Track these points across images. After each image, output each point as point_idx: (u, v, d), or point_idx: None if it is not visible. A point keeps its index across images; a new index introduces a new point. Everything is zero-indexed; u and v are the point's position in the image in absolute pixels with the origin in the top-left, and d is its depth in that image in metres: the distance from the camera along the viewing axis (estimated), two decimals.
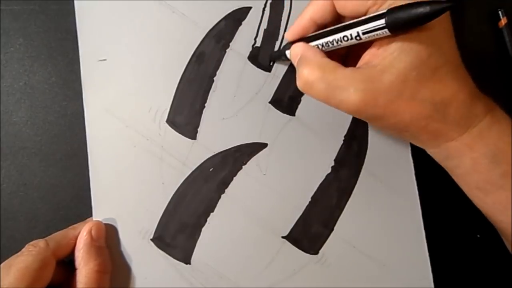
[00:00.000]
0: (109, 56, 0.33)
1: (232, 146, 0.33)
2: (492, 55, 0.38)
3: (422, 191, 0.32)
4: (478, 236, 0.36)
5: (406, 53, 0.25)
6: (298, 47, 0.29)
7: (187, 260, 0.32)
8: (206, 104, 0.33)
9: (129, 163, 0.32)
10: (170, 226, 0.32)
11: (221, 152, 0.33)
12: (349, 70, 0.26)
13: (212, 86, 0.33)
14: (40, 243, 0.29)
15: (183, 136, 0.33)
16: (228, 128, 0.33)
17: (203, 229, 0.32)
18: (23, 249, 0.29)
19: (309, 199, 0.33)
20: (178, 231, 0.32)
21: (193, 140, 0.33)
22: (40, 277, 0.28)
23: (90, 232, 0.30)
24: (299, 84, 0.28)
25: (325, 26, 0.29)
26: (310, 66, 0.27)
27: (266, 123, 0.33)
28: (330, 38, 0.28)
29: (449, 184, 0.31)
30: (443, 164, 0.30)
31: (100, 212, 0.31)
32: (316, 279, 0.32)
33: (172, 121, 0.33)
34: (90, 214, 0.31)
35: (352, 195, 0.33)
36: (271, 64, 0.34)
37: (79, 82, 0.32)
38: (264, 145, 0.33)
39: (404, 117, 0.27)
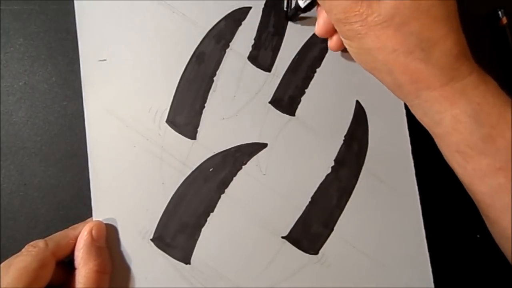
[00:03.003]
0: (109, 56, 0.33)
1: (232, 146, 0.33)
2: (493, 55, 0.38)
3: (422, 191, 0.32)
4: (478, 236, 0.36)
5: None
6: None
7: (187, 260, 0.32)
8: (206, 104, 0.33)
9: (129, 163, 0.32)
10: (170, 226, 0.32)
11: (221, 152, 0.33)
12: None
13: (212, 86, 0.33)
14: (39, 243, 0.29)
15: (183, 136, 0.33)
16: (228, 128, 0.33)
17: (203, 229, 0.32)
18: (23, 250, 0.29)
19: (309, 199, 0.33)
20: (178, 231, 0.32)
21: (193, 140, 0.33)
22: (39, 277, 0.27)
23: (90, 232, 0.30)
24: None
25: None
26: None
27: (266, 123, 0.33)
28: None
29: (449, 184, 0.31)
30: (424, 121, 0.29)
31: (100, 212, 0.31)
32: (316, 279, 0.32)
33: (172, 121, 0.33)
34: (90, 214, 0.31)
35: (352, 195, 0.33)
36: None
37: (79, 82, 0.32)
38: (264, 145, 0.33)
39: (386, 44, 0.26)
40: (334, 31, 0.31)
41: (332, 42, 0.32)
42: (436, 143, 0.30)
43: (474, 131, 0.27)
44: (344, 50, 0.32)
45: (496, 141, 0.27)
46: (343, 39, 0.30)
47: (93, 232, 0.30)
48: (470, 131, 0.27)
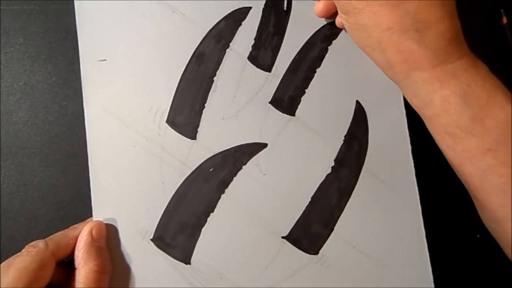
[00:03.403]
0: (109, 56, 0.33)
1: (232, 146, 0.33)
2: (493, 55, 0.38)
3: (422, 191, 0.32)
4: (478, 236, 0.36)
5: None
6: None
7: (187, 260, 0.32)
8: (206, 104, 0.33)
9: (129, 163, 0.32)
10: (170, 226, 0.32)
11: (221, 152, 0.33)
12: None
13: (212, 86, 0.33)
14: (39, 243, 0.29)
15: (183, 136, 0.33)
16: (228, 128, 0.33)
17: (203, 229, 0.32)
18: (23, 250, 0.29)
19: (309, 199, 0.33)
20: (178, 231, 0.32)
21: (193, 140, 0.33)
22: (39, 277, 0.27)
23: (91, 232, 0.30)
24: None
25: None
26: None
27: (266, 123, 0.33)
28: None
29: (449, 184, 0.31)
30: (413, 102, 0.30)
31: (100, 212, 0.31)
32: (316, 279, 0.32)
33: (172, 121, 0.33)
34: (90, 214, 0.31)
35: (352, 195, 0.33)
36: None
37: (79, 82, 0.32)
38: (264, 145, 0.33)
39: (382, 21, 0.27)
40: (333, 11, 0.32)
41: (339, 19, 0.32)
42: (426, 125, 0.30)
43: (463, 112, 0.27)
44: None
45: (485, 121, 0.27)
46: (340, 13, 0.30)
47: (93, 232, 0.30)
48: (460, 112, 0.27)
